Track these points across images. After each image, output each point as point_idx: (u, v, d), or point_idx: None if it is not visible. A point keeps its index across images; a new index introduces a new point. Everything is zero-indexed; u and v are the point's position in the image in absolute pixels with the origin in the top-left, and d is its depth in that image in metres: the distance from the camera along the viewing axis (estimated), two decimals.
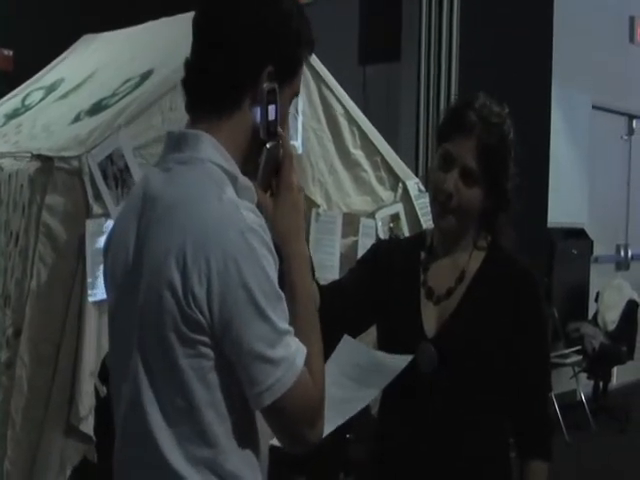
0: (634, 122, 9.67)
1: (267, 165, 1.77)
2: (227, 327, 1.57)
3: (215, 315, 1.56)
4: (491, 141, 2.25)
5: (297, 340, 1.64)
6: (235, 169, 1.70)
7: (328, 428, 2.06)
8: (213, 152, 1.69)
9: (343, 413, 2.17)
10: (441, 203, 2.30)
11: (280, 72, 1.72)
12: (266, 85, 1.70)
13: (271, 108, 1.72)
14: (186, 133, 1.73)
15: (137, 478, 1.73)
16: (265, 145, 1.75)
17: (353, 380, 2.25)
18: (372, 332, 2.49)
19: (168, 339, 1.59)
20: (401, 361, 2.23)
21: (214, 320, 1.57)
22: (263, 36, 1.70)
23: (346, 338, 2.30)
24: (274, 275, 1.61)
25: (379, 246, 2.63)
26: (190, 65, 1.75)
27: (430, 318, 2.34)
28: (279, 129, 1.75)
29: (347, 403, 2.19)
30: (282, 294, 1.63)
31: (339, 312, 2.29)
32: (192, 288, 1.56)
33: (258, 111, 1.72)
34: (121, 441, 1.77)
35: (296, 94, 1.83)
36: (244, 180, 1.71)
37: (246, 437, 1.69)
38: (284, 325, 1.61)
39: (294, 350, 1.61)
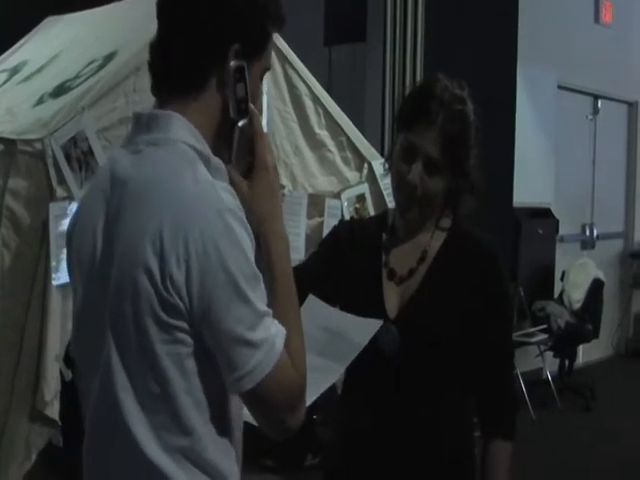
0: (599, 102, 9.71)
1: (240, 145, 1.73)
2: (206, 311, 1.52)
3: (194, 299, 1.52)
4: (453, 129, 2.23)
5: (276, 322, 1.60)
6: (207, 150, 1.66)
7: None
8: (185, 133, 1.65)
9: (311, 389, 2.14)
10: (405, 194, 2.29)
11: (248, 49, 1.68)
12: (233, 63, 1.66)
13: (240, 86, 1.68)
14: (157, 114, 1.68)
15: (110, 470, 1.66)
16: (237, 124, 1.71)
17: (320, 344, 2.19)
18: None
19: (145, 325, 1.54)
20: (370, 325, 2.19)
21: (193, 304, 1.52)
22: (227, 14, 1.66)
23: (312, 298, 2.26)
24: (252, 256, 1.57)
25: (340, 228, 2.61)
26: (154, 46, 1.71)
27: (392, 299, 2.34)
28: (250, 106, 1.71)
29: (315, 372, 2.16)
30: (260, 275, 1.59)
31: (302, 295, 2.28)
32: (170, 272, 1.50)
33: (227, 90, 1.68)
34: (91, 433, 1.70)
35: (267, 69, 1.79)
36: (216, 161, 1.67)
37: (222, 425, 1.65)
38: (263, 307, 1.57)
39: (274, 332, 1.57)
